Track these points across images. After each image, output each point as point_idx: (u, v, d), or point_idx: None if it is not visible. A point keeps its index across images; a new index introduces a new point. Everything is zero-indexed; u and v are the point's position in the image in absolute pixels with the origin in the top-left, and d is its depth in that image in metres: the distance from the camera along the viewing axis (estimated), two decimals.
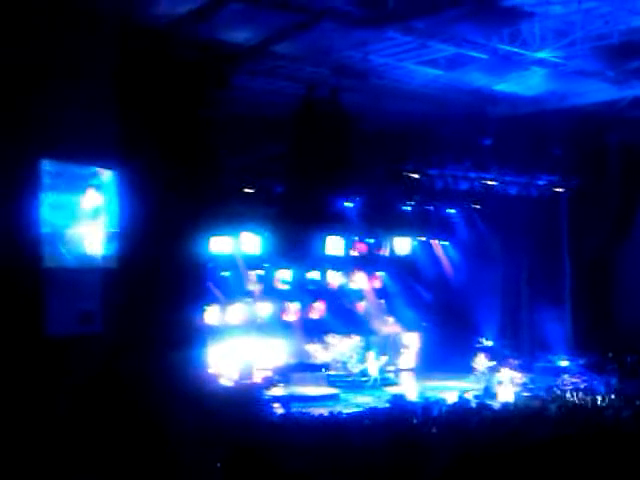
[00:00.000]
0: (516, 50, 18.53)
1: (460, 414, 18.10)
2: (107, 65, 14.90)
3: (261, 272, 27.15)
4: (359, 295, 29.37)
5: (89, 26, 14.48)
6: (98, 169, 15.73)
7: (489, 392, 23.73)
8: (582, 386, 23.40)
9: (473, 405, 20.07)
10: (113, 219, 16.13)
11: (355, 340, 27.73)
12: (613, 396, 20.19)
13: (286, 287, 27.64)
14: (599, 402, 19.05)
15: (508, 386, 23.98)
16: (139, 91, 15.80)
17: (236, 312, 26.41)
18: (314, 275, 28.16)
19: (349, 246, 28.28)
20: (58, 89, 14.23)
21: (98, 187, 15.92)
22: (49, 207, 14.89)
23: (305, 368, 26.25)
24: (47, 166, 14.68)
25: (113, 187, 15.96)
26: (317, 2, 15.40)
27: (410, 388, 25.15)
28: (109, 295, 15.74)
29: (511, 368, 25.53)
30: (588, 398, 20.05)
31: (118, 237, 16.14)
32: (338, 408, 21.07)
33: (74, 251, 15.58)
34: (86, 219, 15.84)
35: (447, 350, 28.00)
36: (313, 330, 27.60)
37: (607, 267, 28.60)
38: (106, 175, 15.93)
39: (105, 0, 14.47)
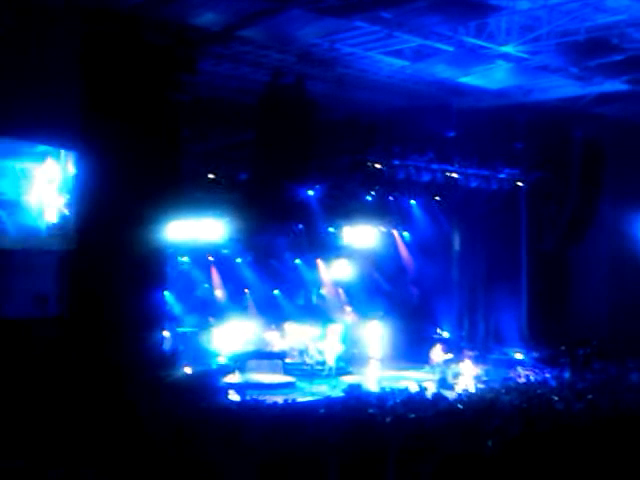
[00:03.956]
0: (482, 43, 18.60)
1: (415, 405, 18.15)
2: (72, 47, 14.73)
3: (221, 258, 27.05)
4: (318, 283, 29.35)
5: (53, 8, 14.30)
6: None
7: (445, 383, 23.85)
8: (535, 379, 23.60)
9: (428, 396, 20.14)
10: (70, 195, 15.92)
11: (313, 328, 27.69)
12: (565, 389, 20.37)
13: (246, 274, 27.56)
14: (551, 395, 19.18)
15: (463, 377, 24.14)
16: (104, 73, 15.63)
17: (195, 298, 26.30)
18: (274, 262, 28.08)
19: (310, 235, 28.14)
20: (19, 69, 14.05)
21: (57, 158, 15.68)
22: None
23: (262, 356, 26.16)
24: None
25: (72, 162, 15.75)
26: None
27: (366, 377, 25.17)
28: (66, 277, 15.59)
29: (467, 360, 25.70)
30: (540, 391, 20.19)
31: (75, 216, 15.96)
32: (293, 396, 21.05)
33: (24, 223, 15.34)
34: (40, 190, 15.58)
35: (404, 340, 28.12)
36: (271, 318, 27.54)
37: (563, 262, 28.85)
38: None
39: None
